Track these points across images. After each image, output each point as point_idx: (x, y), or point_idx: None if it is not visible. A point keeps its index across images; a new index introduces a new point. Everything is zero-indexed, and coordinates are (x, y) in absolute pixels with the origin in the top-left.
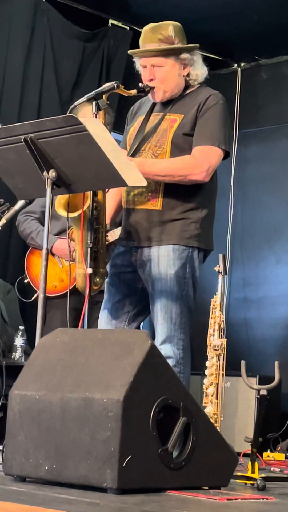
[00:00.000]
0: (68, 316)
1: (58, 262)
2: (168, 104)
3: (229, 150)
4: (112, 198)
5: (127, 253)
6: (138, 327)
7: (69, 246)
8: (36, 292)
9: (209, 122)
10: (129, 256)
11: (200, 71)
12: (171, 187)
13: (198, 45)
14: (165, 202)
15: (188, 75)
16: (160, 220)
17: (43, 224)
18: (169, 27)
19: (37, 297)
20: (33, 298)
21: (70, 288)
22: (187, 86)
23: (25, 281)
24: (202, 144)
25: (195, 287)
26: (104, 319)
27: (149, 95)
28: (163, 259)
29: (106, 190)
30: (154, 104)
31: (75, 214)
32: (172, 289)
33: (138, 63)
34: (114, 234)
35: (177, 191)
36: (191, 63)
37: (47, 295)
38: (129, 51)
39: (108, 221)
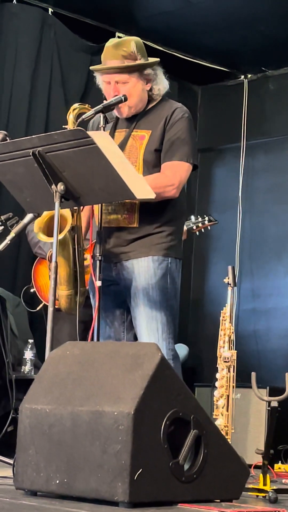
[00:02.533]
0: (72, 329)
1: None
2: (132, 120)
3: (197, 163)
4: (84, 216)
5: (107, 268)
6: (135, 336)
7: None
8: (41, 302)
9: (176, 137)
10: (109, 270)
11: (162, 85)
12: (146, 203)
13: (158, 59)
14: (141, 219)
15: (150, 89)
16: (138, 236)
17: None
18: (132, 43)
19: (43, 307)
20: (38, 308)
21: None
22: (149, 100)
23: (31, 290)
24: (170, 160)
25: (177, 296)
26: (103, 334)
27: (115, 111)
28: (144, 270)
29: (81, 209)
30: (116, 121)
31: (60, 236)
32: (155, 300)
33: (100, 79)
34: None
35: (152, 207)
36: (153, 78)
37: None
38: (91, 67)
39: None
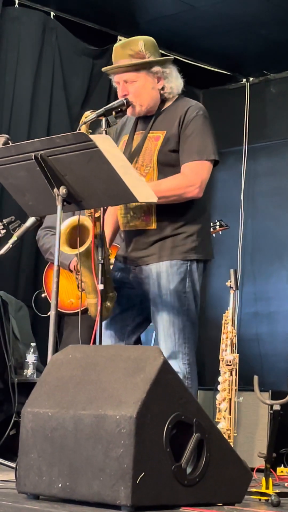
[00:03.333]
0: (82, 334)
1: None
2: (149, 121)
3: (217, 158)
4: (110, 219)
5: (125, 270)
6: (137, 340)
7: (76, 278)
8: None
9: (193, 137)
10: (127, 273)
11: (174, 84)
12: (163, 204)
13: (171, 58)
14: (159, 221)
15: (162, 88)
16: (157, 239)
17: None
18: (139, 42)
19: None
20: (49, 313)
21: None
22: (164, 100)
23: (43, 295)
24: (190, 160)
25: (197, 300)
26: (107, 333)
27: (127, 111)
28: (162, 275)
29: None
30: (136, 123)
31: (82, 248)
32: (173, 305)
33: (113, 80)
34: None
35: (169, 207)
36: (164, 76)
37: (63, 311)
38: (102, 69)
39: (107, 242)
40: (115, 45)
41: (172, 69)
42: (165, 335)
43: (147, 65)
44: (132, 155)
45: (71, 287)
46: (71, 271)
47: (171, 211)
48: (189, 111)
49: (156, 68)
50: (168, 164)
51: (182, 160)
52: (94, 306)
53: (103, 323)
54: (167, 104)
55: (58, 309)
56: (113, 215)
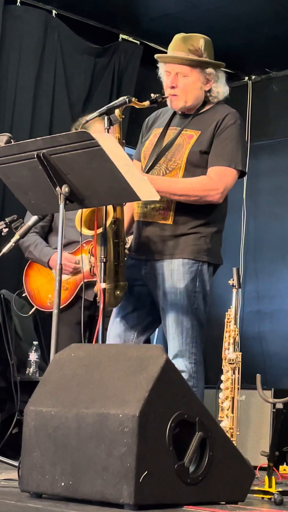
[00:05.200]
0: (70, 331)
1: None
2: (185, 119)
3: (245, 170)
4: (126, 211)
5: (136, 266)
6: (147, 340)
7: (89, 262)
8: (33, 306)
9: (226, 143)
10: (138, 269)
11: (221, 89)
12: (184, 202)
13: (224, 64)
14: (176, 217)
15: (209, 91)
16: (171, 234)
17: (42, 238)
18: (201, 40)
19: (34, 312)
20: (30, 313)
21: (69, 301)
22: (205, 102)
23: (23, 295)
24: (218, 165)
25: (206, 301)
26: (113, 332)
27: (168, 102)
28: (173, 273)
29: (124, 203)
30: (171, 118)
31: (100, 230)
32: (182, 304)
33: (163, 69)
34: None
35: (189, 207)
36: (214, 79)
37: (46, 311)
38: (156, 55)
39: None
40: (176, 36)
41: (222, 74)
42: (173, 333)
43: (203, 64)
44: (163, 150)
45: (49, 286)
46: (51, 268)
47: (190, 210)
48: (227, 117)
49: (210, 70)
50: (196, 164)
51: (210, 162)
52: (106, 292)
53: (111, 321)
54: (207, 107)
55: (41, 309)
56: (130, 206)
